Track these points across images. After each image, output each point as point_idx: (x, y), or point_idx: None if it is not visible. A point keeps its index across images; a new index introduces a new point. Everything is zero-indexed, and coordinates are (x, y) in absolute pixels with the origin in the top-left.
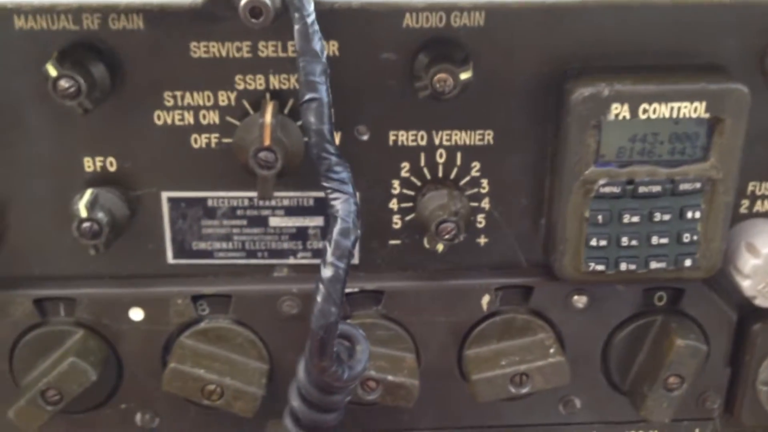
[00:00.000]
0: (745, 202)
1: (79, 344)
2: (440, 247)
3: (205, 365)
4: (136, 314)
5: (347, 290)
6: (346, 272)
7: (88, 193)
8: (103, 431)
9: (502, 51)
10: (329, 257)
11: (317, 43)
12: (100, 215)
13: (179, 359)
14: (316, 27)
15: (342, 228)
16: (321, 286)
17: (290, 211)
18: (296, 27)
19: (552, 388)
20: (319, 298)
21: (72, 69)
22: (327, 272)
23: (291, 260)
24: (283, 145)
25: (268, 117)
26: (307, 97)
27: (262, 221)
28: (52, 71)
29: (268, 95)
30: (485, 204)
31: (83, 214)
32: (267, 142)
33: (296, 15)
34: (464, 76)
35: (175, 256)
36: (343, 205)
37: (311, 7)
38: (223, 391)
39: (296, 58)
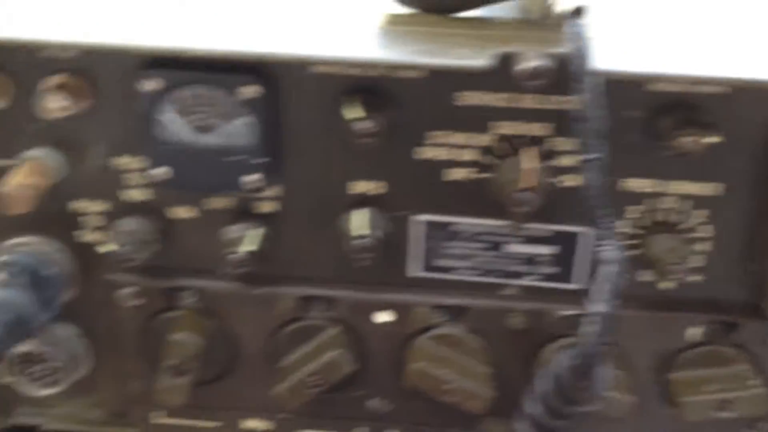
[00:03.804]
0: None
1: (336, 339)
2: (668, 284)
3: (443, 366)
4: (384, 317)
5: (570, 312)
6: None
7: (365, 213)
8: (339, 410)
9: (743, 118)
10: (606, 295)
11: (600, 108)
12: (368, 233)
13: (423, 359)
14: (600, 92)
15: (617, 271)
16: (596, 320)
17: (527, 240)
18: (581, 92)
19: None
20: (593, 329)
21: (369, 111)
22: (603, 308)
23: (521, 281)
24: (540, 187)
25: (532, 162)
26: (592, 156)
27: (499, 246)
28: (356, 113)
29: (527, 140)
30: (706, 247)
31: (365, 231)
32: (532, 184)
33: (581, 82)
34: (710, 140)
35: (419, 270)
36: (616, 252)
37: (594, 77)
38: (458, 390)
39: (576, 119)
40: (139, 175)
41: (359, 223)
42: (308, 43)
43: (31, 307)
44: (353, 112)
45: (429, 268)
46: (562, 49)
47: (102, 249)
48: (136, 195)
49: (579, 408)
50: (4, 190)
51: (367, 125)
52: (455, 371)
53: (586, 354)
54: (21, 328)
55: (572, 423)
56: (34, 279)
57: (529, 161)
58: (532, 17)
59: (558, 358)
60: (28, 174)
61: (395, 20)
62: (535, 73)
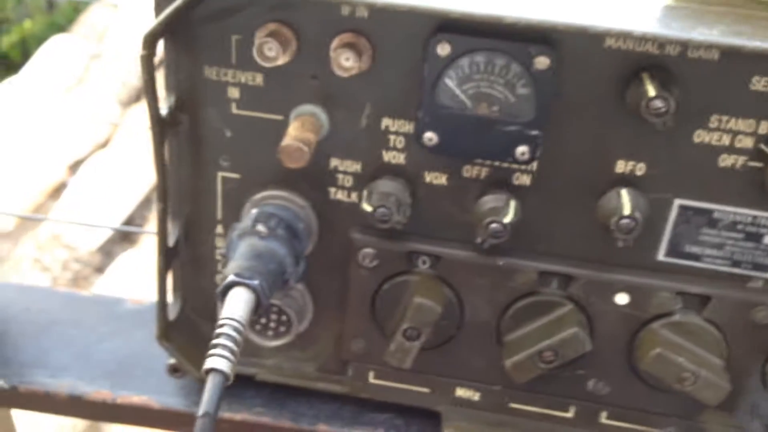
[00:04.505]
0: None
1: (571, 316)
2: None
3: (682, 354)
4: (622, 299)
5: None
6: None
7: (632, 193)
8: (556, 388)
9: None
10: None
11: None
12: (637, 214)
13: (659, 345)
14: None
15: None
16: None
17: None
18: None
19: None
20: None
21: (663, 90)
22: None
23: None
24: None
25: None
26: None
27: (757, 238)
28: (658, 91)
29: None
30: None
31: (632, 211)
32: None
33: None
34: None
35: (666, 255)
36: None
37: None
38: (696, 380)
39: None
40: (401, 138)
41: (626, 203)
42: (596, 17)
43: (288, 259)
44: (653, 89)
45: (678, 253)
46: None
47: (364, 208)
48: (394, 157)
49: None
50: (287, 143)
51: (667, 104)
52: (693, 361)
53: None
54: (280, 279)
55: None
56: (289, 232)
57: None
58: None
59: None
60: (304, 129)
61: None
62: None
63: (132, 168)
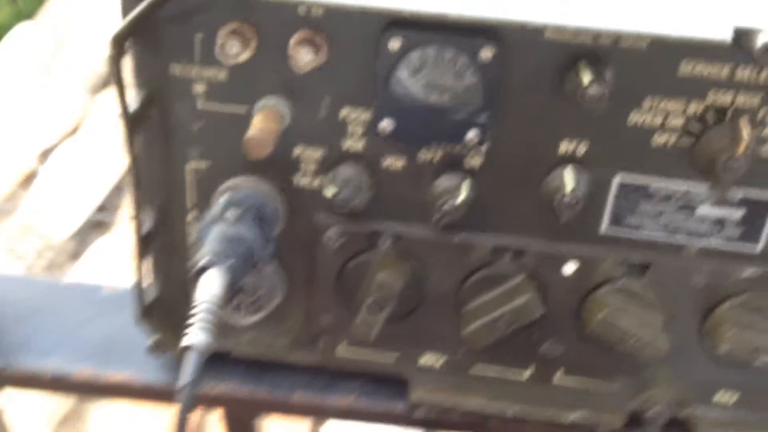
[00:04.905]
0: None
1: (523, 286)
2: None
3: (625, 317)
4: (570, 268)
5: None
6: None
7: (574, 171)
8: (513, 352)
9: None
10: None
11: None
12: (579, 191)
13: (605, 309)
14: None
15: None
16: None
17: (717, 203)
18: None
19: None
20: None
21: (597, 78)
22: None
23: (703, 243)
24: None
25: (747, 132)
26: None
27: (690, 208)
28: (591, 78)
29: (734, 111)
30: None
31: (573, 188)
32: (741, 152)
33: None
34: None
35: (609, 226)
36: None
37: None
38: (637, 340)
39: None
40: (359, 126)
41: (569, 181)
42: (538, 10)
43: (257, 242)
44: (588, 77)
45: (620, 225)
46: None
47: (325, 193)
48: (353, 144)
49: None
50: (251, 134)
51: (601, 90)
52: (635, 322)
53: None
54: (250, 261)
55: None
56: (257, 217)
57: (746, 130)
58: None
59: None
60: (267, 120)
61: None
62: None
63: (103, 155)
